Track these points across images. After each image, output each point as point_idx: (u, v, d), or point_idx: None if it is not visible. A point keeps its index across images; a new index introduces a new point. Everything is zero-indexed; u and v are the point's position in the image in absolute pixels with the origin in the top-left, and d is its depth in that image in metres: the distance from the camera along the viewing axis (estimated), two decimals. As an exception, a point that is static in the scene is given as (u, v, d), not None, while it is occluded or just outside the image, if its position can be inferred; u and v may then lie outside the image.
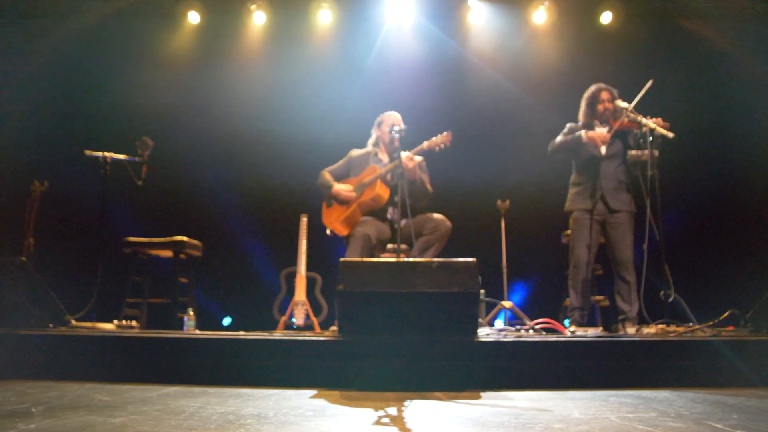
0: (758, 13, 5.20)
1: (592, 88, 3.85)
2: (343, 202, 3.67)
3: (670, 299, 3.29)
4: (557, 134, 3.92)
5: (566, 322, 4.07)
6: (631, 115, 3.56)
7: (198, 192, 5.50)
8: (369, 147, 3.86)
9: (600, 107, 3.77)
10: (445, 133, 3.49)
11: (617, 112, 3.66)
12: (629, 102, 3.59)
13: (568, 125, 3.90)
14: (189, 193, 5.49)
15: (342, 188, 3.69)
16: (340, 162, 3.86)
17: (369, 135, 3.92)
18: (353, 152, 3.88)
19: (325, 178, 3.77)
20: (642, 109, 3.56)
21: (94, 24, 5.57)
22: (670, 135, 3.38)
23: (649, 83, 3.51)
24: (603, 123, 3.80)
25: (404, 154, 3.48)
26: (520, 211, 4.94)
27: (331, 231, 3.74)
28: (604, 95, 3.77)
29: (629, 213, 3.67)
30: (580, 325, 3.60)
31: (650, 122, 3.44)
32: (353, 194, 3.65)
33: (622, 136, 3.73)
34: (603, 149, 3.64)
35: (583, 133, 3.70)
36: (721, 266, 4.92)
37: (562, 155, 3.88)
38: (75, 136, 5.19)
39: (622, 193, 3.69)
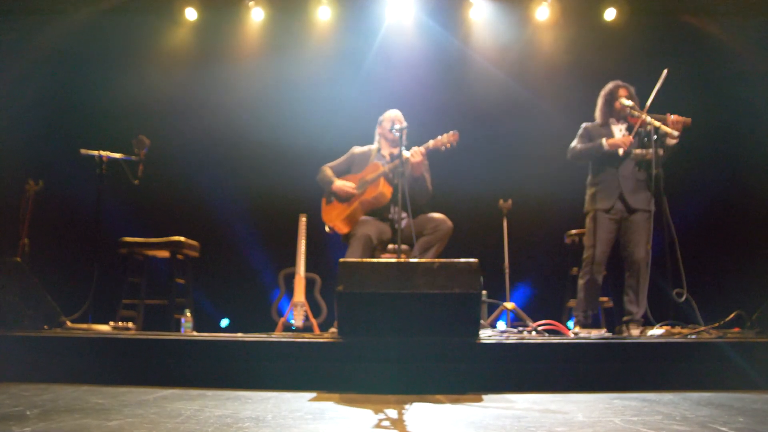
0: (763, 9, 5.18)
1: (610, 85, 3.81)
2: (345, 198, 3.63)
3: (683, 299, 3.24)
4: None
5: (569, 323, 4.04)
6: (635, 113, 3.53)
7: (195, 191, 5.46)
8: (373, 144, 3.83)
9: (617, 104, 3.73)
10: (451, 132, 3.44)
11: (629, 109, 3.63)
12: (648, 94, 3.53)
13: (584, 126, 3.86)
14: (186, 193, 5.46)
15: (344, 185, 3.64)
16: (341, 158, 3.82)
17: (369, 133, 3.89)
18: (355, 149, 3.84)
19: (325, 174, 3.73)
20: (657, 104, 3.52)
21: (89, 21, 5.54)
22: (675, 133, 3.36)
23: (665, 73, 3.46)
24: (620, 120, 3.77)
25: (412, 149, 3.46)
26: (522, 210, 4.91)
27: (330, 228, 3.71)
28: (622, 92, 3.73)
29: (648, 212, 3.63)
30: (584, 326, 3.57)
31: (654, 120, 3.42)
32: (355, 192, 3.61)
33: (640, 135, 3.70)
34: (621, 150, 3.62)
35: (603, 141, 3.66)
36: (727, 266, 4.91)
37: (583, 162, 3.85)
38: (70, 134, 5.15)
39: (641, 192, 3.65)
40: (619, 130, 3.75)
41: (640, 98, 3.65)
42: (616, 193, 3.63)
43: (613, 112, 3.77)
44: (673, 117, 3.44)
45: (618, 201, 3.63)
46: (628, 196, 3.62)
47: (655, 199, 3.39)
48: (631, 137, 3.60)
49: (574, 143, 3.83)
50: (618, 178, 3.64)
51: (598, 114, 3.85)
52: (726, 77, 5.28)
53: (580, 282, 3.69)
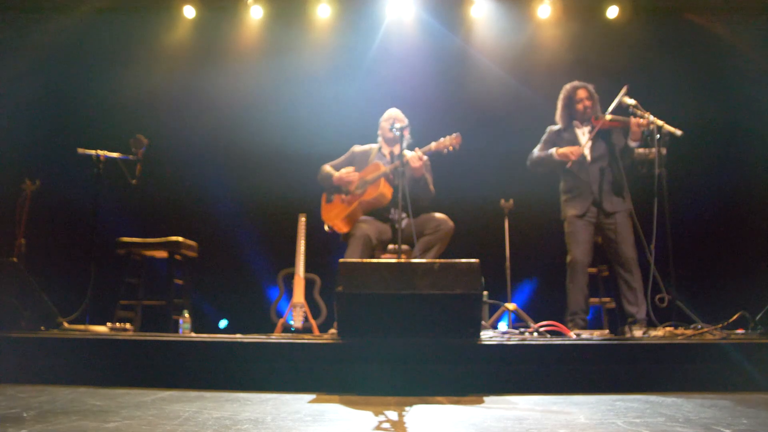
0: (766, 7, 5.17)
1: (567, 87, 3.77)
2: (345, 196, 3.61)
3: (664, 304, 3.23)
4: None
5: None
6: (638, 112, 3.51)
7: (193, 191, 5.44)
8: (374, 143, 3.81)
9: (579, 106, 3.70)
10: (454, 135, 3.38)
11: (631, 108, 3.61)
12: (648, 94, 3.54)
13: (549, 129, 3.84)
14: (184, 193, 5.43)
15: (346, 173, 3.61)
16: (342, 157, 3.81)
17: (369, 132, 3.88)
18: (355, 148, 3.83)
19: (325, 172, 3.72)
20: (647, 108, 3.51)
21: (86, 19, 5.51)
22: (678, 132, 3.34)
23: (624, 89, 3.49)
24: (584, 123, 3.73)
25: (412, 152, 3.43)
26: (524, 210, 4.87)
27: (329, 227, 3.68)
28: (582, 93, 3.70)
29: (626, 213, 3.60)
30: (582, 328, 3.56)
31: (657, 119, 3.40)
32: (356, 175, 3.58)
33: (606, 136, 3.65)
34: (588, 155, 3.58)
35: (553, 151, 3.65)
36: (730, 266, 4.88)
37: (542, 171, 3.82)
38: (67, 133, 5.12)
39: (614, 195, 3.62)
40: (582, 134, 3.71)
41: (642, 99, 3.62)
42: (589, 200, 3.59)
43: (575, 114, 3.73)
44: (635, 120, 3.44)
45: (592, 206, 3.59)
46: (603, 200, 3.59)
47: (657, 200, 3.36)
48: (581, 148, 3.57)
49: (537, 149, 3.80)
50: (589, 184, 3.60)
51: (558, 118, 3.81)
52: (729, 76, 5.26)
53: (567, 286, 3.65)
